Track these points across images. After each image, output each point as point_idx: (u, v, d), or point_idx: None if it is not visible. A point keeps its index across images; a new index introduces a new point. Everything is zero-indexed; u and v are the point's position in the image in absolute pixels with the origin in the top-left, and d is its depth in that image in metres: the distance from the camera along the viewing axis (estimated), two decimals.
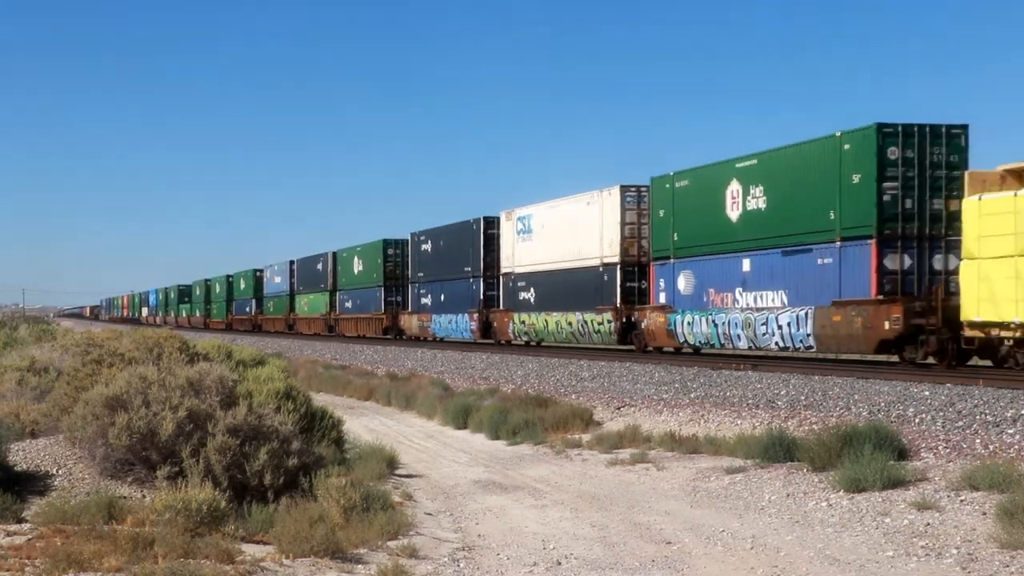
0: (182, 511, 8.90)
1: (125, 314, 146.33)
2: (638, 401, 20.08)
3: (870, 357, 25.53)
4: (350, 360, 39.28)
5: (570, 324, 35.05)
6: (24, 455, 11.57)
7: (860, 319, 22.36)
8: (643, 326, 30.99)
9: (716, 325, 27.37)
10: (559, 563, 9.21)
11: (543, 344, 38.20)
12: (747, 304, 26.36)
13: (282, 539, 8.73)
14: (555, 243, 36.09)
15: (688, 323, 28.73)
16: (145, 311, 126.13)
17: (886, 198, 22.21)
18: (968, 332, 20.18)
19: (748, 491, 12.12)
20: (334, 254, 61.22)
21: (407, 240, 51.04)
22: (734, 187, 26.95)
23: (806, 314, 24.01)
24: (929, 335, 21.43)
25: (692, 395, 19.94)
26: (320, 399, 19.16)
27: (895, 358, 22.07)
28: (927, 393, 16.90)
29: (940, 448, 12.90)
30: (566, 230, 35.41)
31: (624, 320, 32.05)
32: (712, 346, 28.70)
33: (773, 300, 25.47)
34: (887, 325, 21.71)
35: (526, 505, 12.09)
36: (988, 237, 19.22)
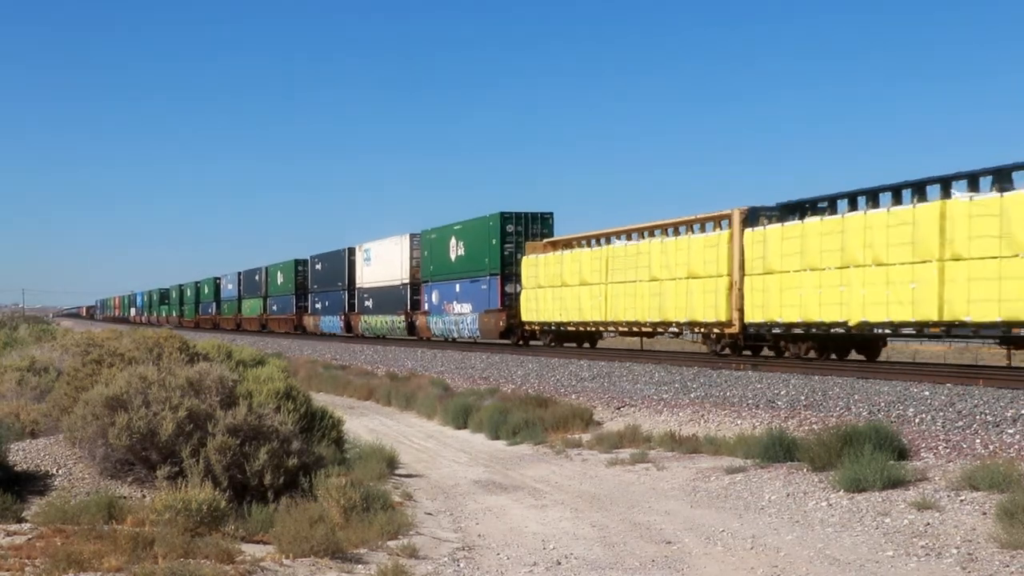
0: (182, 511, 8.89)
1: (117, 314, 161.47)
2: (638, 401, 20.08)
3: (861, 358, 25.89)
4: (350, 360, 39.29)
5: (388, 323, 52.53)
6: (24, 455, 11.57)
7: (494, 319, 40.52)
8: (416, 323, 49.08)
9: (445, 323, 45.55)
10: (559, 563, 9.21)
11: (379, 336, 54.14)
12: (456, 311, 44.25)
13: (282, 539, 8.73)
14: (381, 268, 53.58)
15: (435, 322, 46.71)
16: (133, 311, 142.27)
17: (506, 253, 40.22)
18: (527, 327, 38.99)
19: (748, 491, 12.12)
20: (266, 268, 76.84)
21: (308, 260, 67.72)
22: (453, 241, 44.94)
23: (476, 316, 42.00)
24: (516, 329, 39.59)
25: (692, 395, 19.94)
26: (320, 399, 19.16)
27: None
28: (927, 393, 16.90)
29: (940, 448, 12.90)
30: (386, 260, 53.05)
31: (409, 320, 49.80)
32: (444, 336, 45.79)
33: (465, 308, 43.33)
34: (503, 323, 40.01)
35: (526, 505, 12.08)
36: (531, 278, 37.71)
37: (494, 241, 40.38)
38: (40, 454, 11.66)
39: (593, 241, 34.90)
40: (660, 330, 30.99)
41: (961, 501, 10.23)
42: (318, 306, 64.34)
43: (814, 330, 24.02)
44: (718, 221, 27.92)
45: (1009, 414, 14.25)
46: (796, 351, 25.56)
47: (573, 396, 21.75)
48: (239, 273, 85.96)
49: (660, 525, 10.70)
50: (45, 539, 8.43)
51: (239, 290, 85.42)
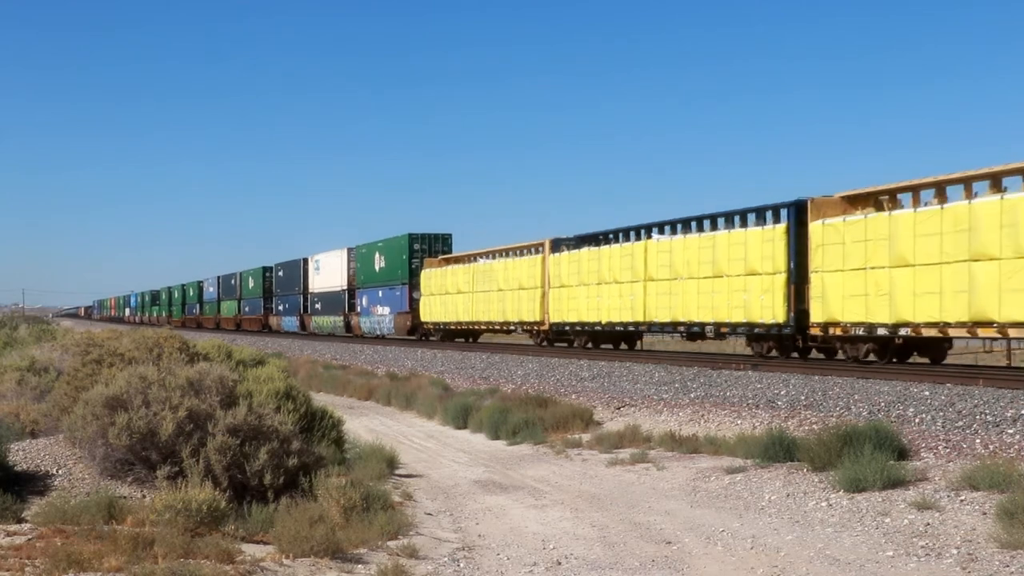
0: (182, 511, 8.89)
1: (112, 314, 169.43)
2: (638, 401, 20.07)
3: (861, 358, 25.81)
4: (350, 360, 39.28)
5: (331, 322, 61.64)
6: (24, 455, 11.57)
7: (403, 319, 49.98)
8: (351, 323, 58.06)
9: (371, 323, 54.69)
10: (559, 563, 9.21)
11: (327, 334, 62.07)
12: (379, 312, 53.68)
13: (282, 539, 8.73)
14: (327, 277, 62.45)
15: (364, 322, 55.86)
16: (128, 311, 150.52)
17: (413, 266, 49.09)
18: (425, 326, 48.18)
19: (748, 491, 12.11)
20: (240, 274, 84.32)
21: (273, 267, 76.39)
22: (376, 255, 54.24)
23: (392, 317, 51.45)
24: (418, 327, 49.03)
25: (692, 395, 19.93)
26: (320, 399, 19.16)
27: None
28: (927, 393, 16.90)
29: (940, 448, 12.90)
30: (330, 269, 61.87)
31: (346, 320, 58.74)
32: (371, 333, 54.86)
33: (385, 311, 52.92)
34: (409, 322, 49.52)
35: (526, 505, 12.08)
36: (428, 287, 47.20)
37: (404, 256, 49.76)
38: (40, 454, 11.65)
39: (468, 260, 45.45)
40: (511, 328, 41.38)
41: (961, 501, 10.23)
42: (280, 308, 74.31)
43: (586, 327, 34.85)
44: (536, 248, 38.98)
45: (1009, 414, 14.25)
46: (581, 343, 35.95)
47: (573, 396, 21.75)
48: (219, 277, 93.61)
49: (660, 525, 10.70)
50: (45, 539, 8.43)
51: (218, 293, 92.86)
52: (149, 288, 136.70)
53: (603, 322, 33.11)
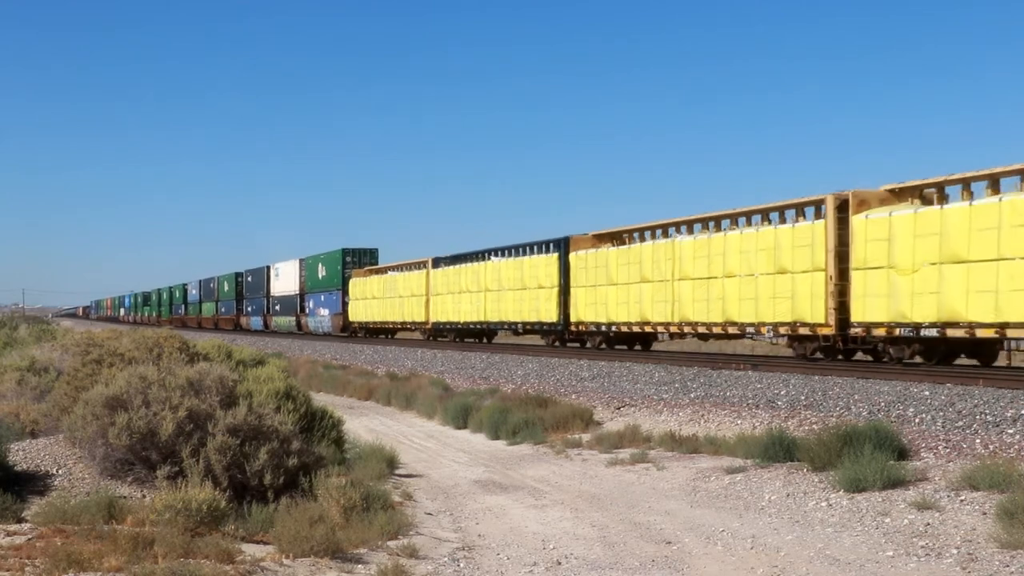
0: (182, 511, 8.89)
1: (108, 314, 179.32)
2: (638, 401, 20.07)
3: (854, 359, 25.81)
4: (350, 360, 39.28)
5: (287, 321, 71.84)
6: (24, 455, 11.56)
7: (338, 320, 60.45)
8: (301, 322, 68.44)
9: (315, 322, 65.18)
10: (559, 563, 9.21)
11: (285, 332, 71.78)
12: (321, 314, 64.14)
13: (282, 539, 8.73)
14: (284, 282, 73.21)
15: (310, 321, 66.44)
16: (122, 311, 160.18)
17: (346, 275, 59.57)
18: (354, 325, 58.91)
19: (748, 491, 12.11)
20: (218, 278, 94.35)
21: (243, 273, 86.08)
22: (319, 265, 65.01)
23: (330, 318, 62.11)
24: (348, 326, 59.00)
25: (692, 395, 19.93)
26: (320, 399, 19.15)
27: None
28: (927, 393, 16.89)
29: (940, 448, 12.90)
30: (287, 276, 72.47)
31: (297, 320, 68.95)
32: (315, 331, 64.72)
33: (325, 312, 63.35)
34: (341, 322, 60.11)
35: (526, 505, 12.08)
36: (355, 292, 58.38)
37: (339, 267, 60.78)
38: (40, 454, 11.65)
39: (381, 272, 56.49)
40: (408, 326, 52.69)
41: (961, 501, 10.23)
42: (249, 309, 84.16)
43: (457, 325, 46.27)
44: (421, 264, 50.35)
45: (1009, 414, 14.25)
46: (451, 337, 47.47)
47: (573, 396, 21.74)
48: (200, 281, 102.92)
49: (660, 525, 10.70)
50: (45, 539, 8.43)
51: (200, 295, 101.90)
52: (145, 289, 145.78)
53: (462, 321, 45.05)
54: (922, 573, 8.56)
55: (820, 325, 24.06)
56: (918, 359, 22.55)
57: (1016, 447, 12.41)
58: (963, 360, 23.55)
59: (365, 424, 20.79)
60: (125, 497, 10.26)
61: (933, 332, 21.13)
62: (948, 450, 12.77)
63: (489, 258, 41.85)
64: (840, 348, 24.30)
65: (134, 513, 9.40)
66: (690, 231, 29.70)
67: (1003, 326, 19.65)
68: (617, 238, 34.24)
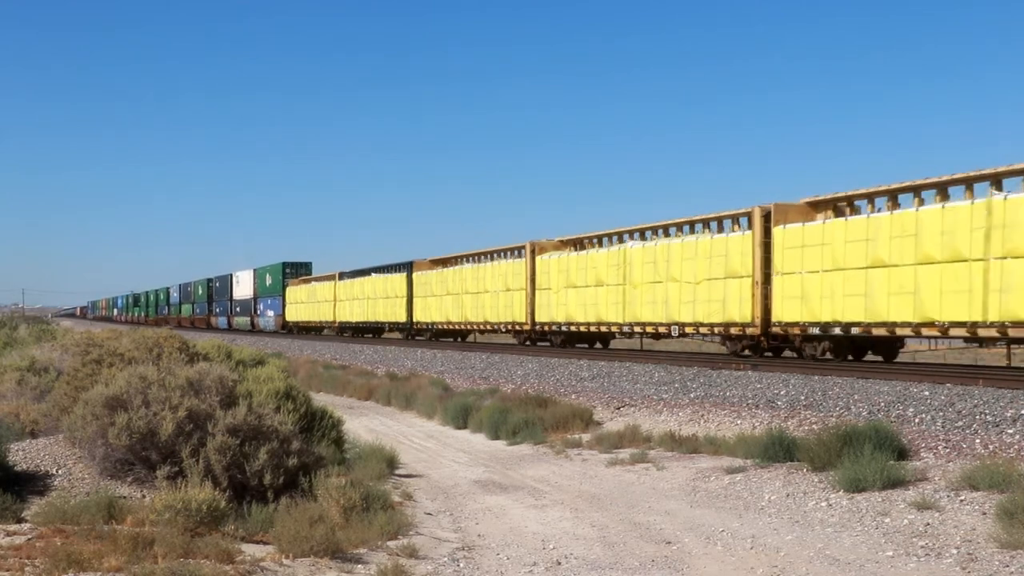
0: (182, 511, 8.89)
1: (103, 314, 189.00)
2: (638, 401, 20.07)
3: (877, 358, 25.84)
4: (350, 360, 39.27)
5: (245, 321, 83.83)
6: (24, 455, 11.56)
7: (279, 320, 75.02)
8: (254, 322, 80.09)
9: (264, 322, 77.93)
10: (559, 563, 9.21)
11: (244, 330, 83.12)
12: (268, 315, 77.57)
13: (282, 539, 8.73)
14: (244, 288, 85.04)
15: (261, 321, 78.81)
16: (116, 311, 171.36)
17: (286, 284, 73.84)
18: (290, 324, 72.02)
19: (748, 491, 12.11)
20: (194, 282, 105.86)
21: (213, 278, 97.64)
22: (267, 275, 78.44)
23: (274, 318, 76.17)
24: (287, 325, 72.79)
25: (692, 395, 19.93)
26: (320, 399, 19.16)
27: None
28: (927, 393, 16.89)
29: (940, 448, 12.90)
30: (245, 283, 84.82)
31: (251, 320, 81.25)
32: (264, 329, 76.80)
33: (271, 314, 77.04)
34: (282, 322, 73.89)
35: (526, 505, 12.08)
36: (292, 297, 72.63)
37: (280, 277, 74.74)
38: (40, 454, 11.65)
39: (307, 281, 69.18)
40: (322, 326, 65.53)
41: (961, 501, 10.23)
42: (217, 310, 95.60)
43: (357, 324, 58.52)
44: (330, 277, 63.65)
45: (1009, 414, 14.25)
46: (351, 333, 59.82)
47: (573, 396, 21.74)
48: (180, 285, 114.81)
49: (660, 525, 10.70)
50: (45, 539, 8.42)
51: (180, 297, 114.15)
52: (141, 290, 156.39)
53: (355, 320, 57.89)
54: (922, 573, 8.56)
55: (748, 325, 26.77)
56: (828, 356, 24.66)
57: (1016, 447, 12.42)
58: (958, 360, 24.35)
59: (365, 424, 20.79)
60: (125, 497, 10.26)
61: (838, 330, 23.70)
62: (948, 450, 12.77)
63: (407, 271, 50.47)
64: (765, 346, 27.02)
65: (134, 513, 9.40)
66: (643, 238, 31.95)
67: (887, 325, 22.09)
68: (579, 244, 36.42)
